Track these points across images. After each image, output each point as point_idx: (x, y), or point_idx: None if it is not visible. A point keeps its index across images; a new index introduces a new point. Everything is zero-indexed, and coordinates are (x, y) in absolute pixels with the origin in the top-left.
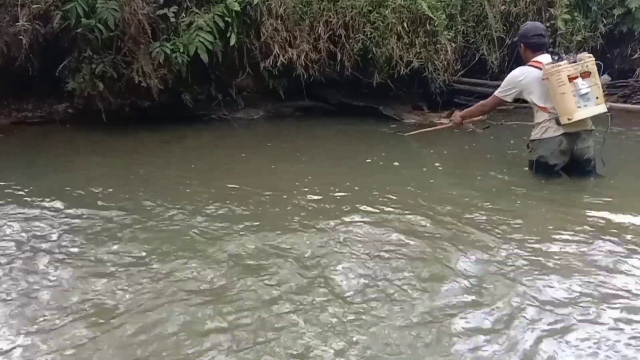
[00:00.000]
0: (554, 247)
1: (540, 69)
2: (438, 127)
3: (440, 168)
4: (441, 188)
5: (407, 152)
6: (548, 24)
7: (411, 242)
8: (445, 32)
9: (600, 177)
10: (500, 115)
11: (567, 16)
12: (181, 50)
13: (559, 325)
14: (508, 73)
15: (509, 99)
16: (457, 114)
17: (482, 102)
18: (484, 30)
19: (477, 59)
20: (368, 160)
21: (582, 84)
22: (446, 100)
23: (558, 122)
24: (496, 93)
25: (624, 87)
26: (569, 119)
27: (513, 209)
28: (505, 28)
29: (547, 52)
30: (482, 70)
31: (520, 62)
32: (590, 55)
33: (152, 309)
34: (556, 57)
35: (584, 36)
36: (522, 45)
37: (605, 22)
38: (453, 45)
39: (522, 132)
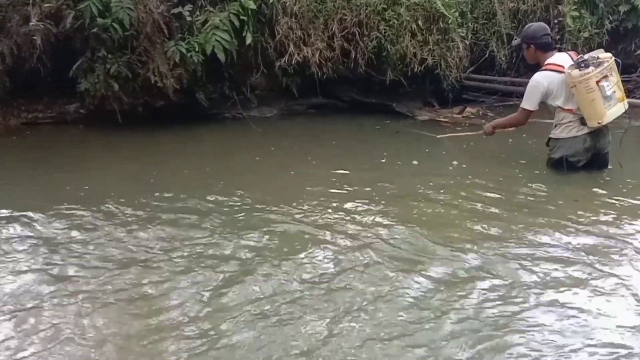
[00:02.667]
0: None
1: (560, 71)
2: (470, 133)
3: (464, 167)
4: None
5: (417, 150)
6: (556, 21)
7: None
8: (459, 30)
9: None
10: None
11: (576, 13)
12: (196, 49)
13: None
14: (516, 69)
15: (536, 107)
16: (489, 124)
17: (513, 115)
18: (493, 27)
19: (486, 55)
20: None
21: (607, 86)
22: (455, 96)
23: (583, 122)
24: (523, 106)
25: (627, 82)
26: (599, 123)
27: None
28: (513, 25)
29: (557, 49)
30: (490, 66)
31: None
32: (610, 54)
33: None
34: (583, 64)
35: (591, 33)
36: (531, 46)
37: (611, 18)
38: (466, 42)
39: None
